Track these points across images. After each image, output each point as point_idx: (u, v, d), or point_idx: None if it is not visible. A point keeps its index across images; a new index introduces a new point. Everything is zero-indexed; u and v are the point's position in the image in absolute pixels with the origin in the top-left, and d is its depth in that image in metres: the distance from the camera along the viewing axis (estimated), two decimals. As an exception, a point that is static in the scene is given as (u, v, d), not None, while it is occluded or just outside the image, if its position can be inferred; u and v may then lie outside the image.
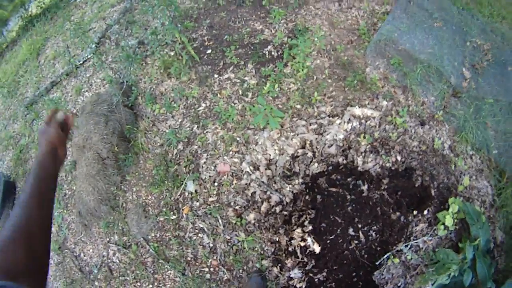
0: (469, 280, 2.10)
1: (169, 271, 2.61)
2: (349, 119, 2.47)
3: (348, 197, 2.20)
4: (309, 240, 2.12)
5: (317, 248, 2.11)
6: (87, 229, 3.04)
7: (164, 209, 2.68)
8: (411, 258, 2.18)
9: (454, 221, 2.22)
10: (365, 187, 2.22)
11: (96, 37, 3.74)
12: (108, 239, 2.92)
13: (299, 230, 2.15)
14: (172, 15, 2.91)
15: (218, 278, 2.49)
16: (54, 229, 3.28)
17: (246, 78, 2.91)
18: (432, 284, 2.14)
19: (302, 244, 2.15)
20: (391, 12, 3.24)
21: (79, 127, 2.98)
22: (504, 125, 2.77)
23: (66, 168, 3.32)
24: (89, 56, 3.70)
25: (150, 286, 2.68)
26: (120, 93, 3.00)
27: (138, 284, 2.72)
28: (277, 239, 2.27)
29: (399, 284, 2.19)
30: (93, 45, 3.66)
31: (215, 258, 2.50)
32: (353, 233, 2.16)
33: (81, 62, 3.71)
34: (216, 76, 3.01)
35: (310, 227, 2.15)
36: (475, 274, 2.13)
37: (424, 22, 3.23)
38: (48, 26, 4.71)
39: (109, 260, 2.89)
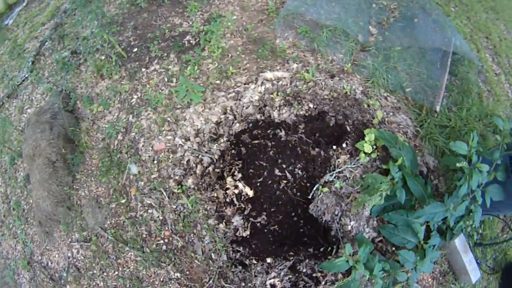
0: (403, 197, 2.40)
1: (130, 253, 2.95)
2: (262, 83, 2.94)
3: (269, 144, 2.65)
4: (240, 185, 2.55)
5: (249, 192, 2.54)
6: (49, 236, 3.34)
7: (114, 196, 3.04)
8: (341, 187, 2.56)
9: (372, 148, 2.60)
10: (282, 133, 2.67)
11: (31, 55, 4.07)
12: (69, 239, 3.22)
13: (230, 179, 2.57)
14: (100, 23, 3.31)
15: (173, 247, 2.85)
16: (19, 246, 3.56)
17: (170, 67, 3.34)
18: (370, 209, 2.50)
19: (236, 191, 2.57)
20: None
21: (27, 139, 3.30)
22: (416, 68, 3.30)
23: (20, 184, 3.61)
24: (26, 75, 4.02)
25: (116, 272, 3.01)
26: (60, 101, 3.36)
27: (105, 274, 3.04)
28: (216, 195, 2.69)
29: (336, 213, 2.57)
30: (30, 63, 3.99)
31: (166, 229, 2.87)
32: (279, 173, 2.60)
33: (20, 82, 4.02)
34: (143, 70, 3.43)
35: (240, 175, 2.58)
36: (409, 192, 2.45)
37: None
38: None
39: (74, 260, 3.20)
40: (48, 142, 3.21)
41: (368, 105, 2.97)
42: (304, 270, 2.55)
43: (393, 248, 2.61)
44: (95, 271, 3.06)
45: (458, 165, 2.32)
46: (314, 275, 2.55)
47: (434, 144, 2.94)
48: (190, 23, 3.60)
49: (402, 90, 3.13)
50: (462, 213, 2.47)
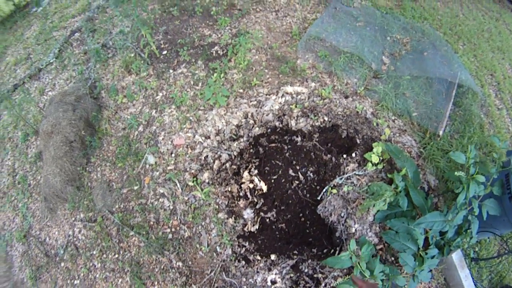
0: (405, 204, 2.73)
1: (134, 238, 3.27)
2: (283, 95, 3.46)
3: (286, 147, 3.12)
4: (256, 180, 2.97)
5: (263, 187, 2.96)
6: (52, 212, 3.62)
7: (127, 182, 3.40)
8: (348, 192, 2.97)
9: (379, 159, 3.07)
10: (299, 139, 3.16)
11: (59, 43, 4.54)
12: (73, 218, 3.52)
13: (246, 173, 3.00)
14: (136, 23, 3.83)
15: (179, 237, 3.19)
16: (18, 219, 3.81)
17: (197, 72, 3.85)
18: (374, 213, 2.85)
19: (251, 186, 2.99)
20: (319, 17, 4.42)
21: (47, 116, 3.68)
22: (423, 96, 3.86)
23: (30, 160, 3.93)
24: (51, 61, 4.47)
25: (116, 255, 3.30)
26: (86, 87, 3.80)
27: (104, 256, 3.32)
28: (229, 189, 3.09)
29: (342, 215, 2.97)
30: (56, 50, 4.45)
31: (175, 218, 3.22)
32: (293, 174, 3.05)
33: (44, 66, 4.45)
34: (171, 71, 3.93)
35: (256, 171, 3.01)
36: (410, 203, 2.81)
37: (349, 24, 4.43)
38: (8, 35, 5.44)
39: (75, 239, 3.48)
40: (69, 122, 3.60)
41: (377, 124, 3.48)
42: (306, 270, 2.89)
43: (393, 258, 2.93)
44: (94, 252, 3.33)
45: (456, 173, 2.72)
46: (315, 275, 2.87)
47: (435, 165, 3.41)
48: (219, 35, 4.18)
49: (409, 115, 3.66)
50: (460, 223, 2.74)
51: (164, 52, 4.12)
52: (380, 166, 3.10)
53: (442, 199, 3.34)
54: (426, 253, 2.66)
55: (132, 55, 4.14)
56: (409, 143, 3.49)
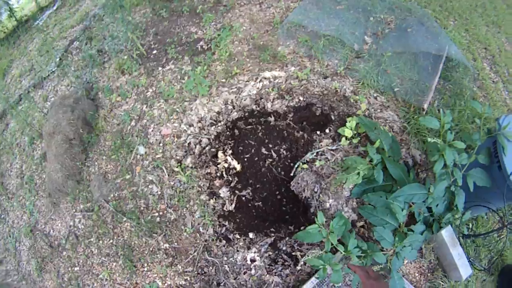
0: (380, 177, 2.78)
1: (126, 223, 3.73)
2: (261, 80, 3.85)
3: (259, 127, 3.49)
4: (229, 159, 3.36)
5: (237, 165, 3.34)
6: (56, 206, 4.19)
7: (120, 172, 3.90)
8: (322, 167, 3.18)
9: (354, 133, 3.26)
10: (272, 119, 3.51)
11: (59, 52, 5.23)
12: (74, 210, 4.06)
13: (221, 153, 3.39)
14: (126, 28, 4.41)
15: (166, 220, 3.61)
16: (25, 216, 4.43)
17: (183, 67, 4.33)
18: (351, 188, 3.00)
19: (226, 165, 3.37)
20: (301, 4, 4.76)
21: (49, 119, 4.29)
22: (408, 72, 4.01)
23: (36, 161, 4.55)
24: (53, 70, 5.14)
25: (111, 241, 3.78)
26: (83, 89, 4.39)
27: (100, 242, 3.81)
28: (209, 171, 3.49)
29: (315, 190, 3.20)
30: (57, 59, 5.13)
31: (163, 202, 3.66)
32: (266, 152, 3.40)
33: (46, 75, 5.14)
34: (160, 68, 4.44)
35: (230, 151, 3.40)
36: (390, 177, 2.87)
37: (330, 8, 4.71)
38: (12, 49, 6.28)
39: (75, 228, 4.01)
40: (68, 122, 4.18)
41: (356, 101, 3.70)
42: (284, 248, 3.15)
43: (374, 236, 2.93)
44: (92, 239, 3.83)
45: (429, 140, 2.77)
46: (293, 253, 3.13)
47: (422, 140, 3.52)
48: (204, 31, 4.66)
49: (392, 92, 3.85)
50: (443, 194, 2.75)
51: (154, 52, 4.66)
52: (355, 141, 3.35)
53: (431, 174, 3.41)
54: (411, 229, 2.65)
55: (125, 57, 4.71)
56: (391, 118, 3.69)
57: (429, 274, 3.17)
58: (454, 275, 3.01)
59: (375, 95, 3.87)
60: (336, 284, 2.82)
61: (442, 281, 3.10)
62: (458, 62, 4.19)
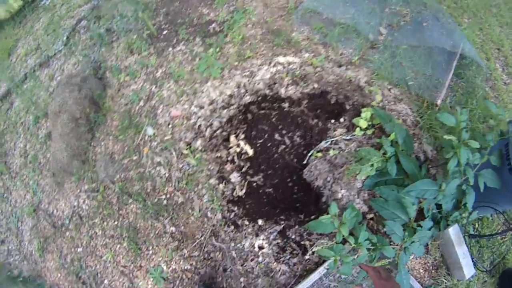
0: (393, 170, 2.76)
1: (132, 205, 3.69)
2: (274, 65, 3.77)
3: (273, 113, 3.42)
4: (242, 144, 3.29)
5: (249, 150, 3.27)
6: (60, 186, 4.13)
7: (127, 153, 3.84)
8: (335, 156, 3.15)
9: (368, 124, 3.21)
10: (286, 105, 3.45)
11: (66, 31, 5.13)
12: (78, 190, 4.01)
13: (233, 137, 3.32)
14: (136, 7, 4.32)
15: (173, 203, 3.57)
16: (29, 195, 4.37)
17: (195, 48, 4.25)
18: (363, 180, 2.96)
19: (238, 150, 3.31)
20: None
21: (55, 97, 4.21)
22: (422, 66, 3.95)
23: (40, 140, 4.49)
24: (60, 49, 5.05)
25: (115, 222, 3.73)
26: (91, 68, 4.31)
27: (105, 223, 3.77)
28: (220, 155, 3.43)
29: (328, 179, 3.16)
30: (65, 38, 5.04)
31: (170, 185, 3.60)
32: (279, 138, 3.33)
33: (53, 54, 5.05)
34: (170, 49, 4.36)
35: (243, 136, 3.33)
36: (402, 171, 2.86)
37: (346, -3, 4.66)
38: (18, 29, 6.17)
39: (79, 209, 3.96)
40: (75, 100, 4.10)
41: (370, 92, 3.64)
42: (293, 237, 3.11)
43: (385, 229, 2.84)
44: (96, 220, 3.79)
45: (446, 137, 2.74)
46: (302, 242, 3.09)
47: (434, 136, 3.49)
48: (217, 13, 4.56)
49: (406, 85, 3.80)
50: (453, 192, 2.74)
51: (164, 32, 4.57)
52: (369, 132, 3.29)
53: (442, 171, 3.39)
54: (419, 225, 2.66)
55: (135, 36, 4.62)
56: (404, 111, 3.64)
57: (433, 271, 3.17)
58: (458, 274, 3.02)
59: (389, 87, 3.81)
60: (342, 276, 2.85)
61: (445, 279, 3.11)
62: (471, 60, 4.14)
